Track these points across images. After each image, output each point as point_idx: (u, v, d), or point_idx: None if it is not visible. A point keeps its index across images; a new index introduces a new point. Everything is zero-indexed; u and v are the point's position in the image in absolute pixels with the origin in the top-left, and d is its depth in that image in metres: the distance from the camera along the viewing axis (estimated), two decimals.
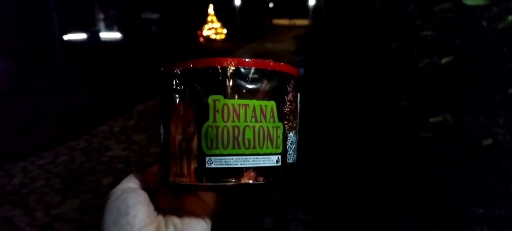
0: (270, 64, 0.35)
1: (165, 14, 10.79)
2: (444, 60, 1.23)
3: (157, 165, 0.38)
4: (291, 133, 0.37)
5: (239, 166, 0.33)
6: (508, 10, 0.98)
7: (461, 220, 0.98)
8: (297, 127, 0.39)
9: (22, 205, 1.98)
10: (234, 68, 0.34)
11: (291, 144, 0.37)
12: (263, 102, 0.34)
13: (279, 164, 0.36)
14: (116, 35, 8.91)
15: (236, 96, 0.33)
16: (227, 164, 0.33)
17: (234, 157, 0.33)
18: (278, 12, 23.35)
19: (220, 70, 0.33)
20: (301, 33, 13.36)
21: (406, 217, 1.31)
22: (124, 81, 5.35)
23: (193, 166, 0.34)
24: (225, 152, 0.33)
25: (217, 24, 12.22)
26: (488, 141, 1.01)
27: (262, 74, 0.34)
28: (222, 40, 11.92)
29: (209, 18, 12.16)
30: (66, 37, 6.54)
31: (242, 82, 0.34)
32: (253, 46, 10.25)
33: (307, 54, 7.95)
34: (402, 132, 1.51)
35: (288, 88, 0.37)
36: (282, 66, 0.36)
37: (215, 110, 0.33)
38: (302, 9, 21.64)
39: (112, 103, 4.14)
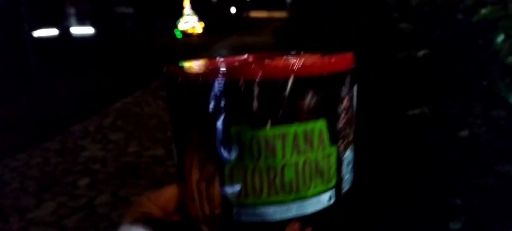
0: (317, 66, 0.25)
1: (140, 8, 10.59)
2: (420, 53, 1.25)
3: (174, 186, 0.30)
4: (347, 151, 0.28)
5: (278, 218, 0.25)
6: (482, 3, 1.00)
7: (441, 210, 1.00)
8: (354, 135, 0.30)
9: None
10: (264, 81, 0.24)
11: (347, 165, 0.29)
12: (308, 125, 0.25)
13: (332, 201, 0.27)
14: (88, 30, 8.69)
15: (268, 124, 0.24)
16: (262, 217, 0.25)
17: (271, 207, 0.25)
18: (256, 4, 23.30)
19: (242, 87, 0.23)
20: (280, 25, 13.37)
21: (387, 208, 1.32)
22: (98, 78, 5.22)
23: (216, 216, 0.26)
24: (259, 201, 0.25)
25: (194, 18, 12.05)
26: (465, 133, 1.03)
27: (306, 84, 0.24)
28: (199, 35, 11.77)
29: (185, 12, 11.98)
30: (36, 33, 6.32)
31: (277, 101, 0.24)
32: (231, 40, 10.20)
33: (287, 48, 7.96)
34: (383, 125, 1.52)
35: (344, 91, 0.27)
36: (334, 63, 0.26)
37: (240, 145, 0.24)
38: (279, 1, 21.64)
39: (86, 101, 4.04)
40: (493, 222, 0.88)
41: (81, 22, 8.62)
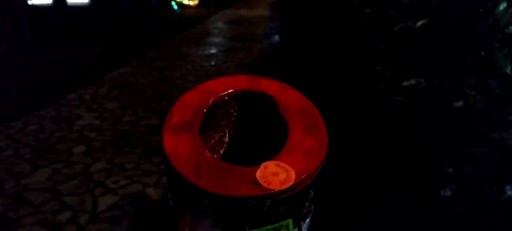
0: (290, 188, 0.30)
1: None
2: (419, 24, 1.24)
3: None
4: (306, 220, 0.35)
5: None
6: None
7: (432, 179, 1.01)
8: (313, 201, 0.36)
9: None
10: (245, 204, 0.30)
11: (305, 229, 0.35)
12: (278, 225, 0.32)
13: None
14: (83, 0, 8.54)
15: (247, 229, 0.31)
16: None
17: None
18: None
19: (230, 202, 0.30)
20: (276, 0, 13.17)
21: (380, 177, 1.34)
22: (94, 48, 5.16)
23: None
24: None
25: None
26: (459, 103, 1.03)
27: (279, 203, 0.31)
28: (195, 6, 11.58)
29: None
30: (30, 2, 6.20)
31: (256, 215, 0.31)
32: (227, 13, 10.07)
33: (282, 21, 7.87)
34: (375, 96, 1.52)
35: (309, 196, 0.33)
36: (305, 178, 0.31)
37: None
38: None
39: (81, 71, 4.00)
40: (483, 189, 0.90)
41: None
